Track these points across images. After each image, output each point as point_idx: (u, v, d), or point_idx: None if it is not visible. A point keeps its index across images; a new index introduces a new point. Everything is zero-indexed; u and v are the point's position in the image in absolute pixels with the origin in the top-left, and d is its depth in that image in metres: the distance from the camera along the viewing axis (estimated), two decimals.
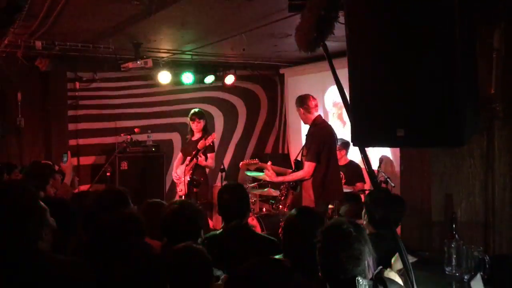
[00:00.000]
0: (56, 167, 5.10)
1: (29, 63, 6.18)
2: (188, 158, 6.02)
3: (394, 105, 2.02)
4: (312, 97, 4.81)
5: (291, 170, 4.99)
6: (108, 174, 6.45)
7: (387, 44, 2.01)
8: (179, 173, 6.20)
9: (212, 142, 5.96)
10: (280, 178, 4.88)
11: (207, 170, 6.24)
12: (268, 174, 4.93)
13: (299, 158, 4.90)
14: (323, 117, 5.07)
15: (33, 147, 6.81)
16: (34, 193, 2.00)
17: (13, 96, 6.61)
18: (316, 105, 4.78)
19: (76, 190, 5.41)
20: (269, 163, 5.32)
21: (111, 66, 6.76)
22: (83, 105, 7.24)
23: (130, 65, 5.84)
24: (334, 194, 4.63)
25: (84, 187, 6.58)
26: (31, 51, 5.82)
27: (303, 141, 5.00)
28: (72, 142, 7.12)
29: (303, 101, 4.77)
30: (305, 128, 5.15)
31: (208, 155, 6.05)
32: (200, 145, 5.80)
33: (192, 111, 6.24)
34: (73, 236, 2.72)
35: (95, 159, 7.32)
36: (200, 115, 6.17)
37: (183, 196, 6.07)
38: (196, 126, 6.12)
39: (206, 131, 6.20)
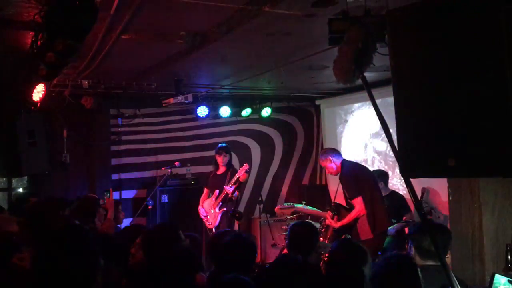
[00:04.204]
0: (101, 201, 5.24)
1: (75, 101, 6.45)
2: (217, 191, 6.13)
3: (444, 134, 1.99)
4: (331, 148, 5.30)
5: (328, 213, 5.12)
6: (149, 207, 6.58)
7: (435, 72, 2.00)
8: (205, 206, 6.28)
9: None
10: (340, 223, 4.96)
11: None
12: (329, 222, 5.09)
13: (337, 201, 5.20)
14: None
15: (78, 182, 7.01)
16: (93, 236, 2.05)
17: (59, 133, 6.86)
18: (339, 153, 5.14)
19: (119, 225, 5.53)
20: (303, 202, 5.80)
21: (153, 102, 6.97)
22: (125, 140, 7.45)
23: (172, 100, 6.00)
24: (383, 222, 4.81)
25: (126, 220, 6.71)
26: (77, 89, 6.09)
27: None
28: (115, 176, 7.31)
29: (326, 154, 5.10)
30: None
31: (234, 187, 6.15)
32: (242, 177, 5.92)
33: (219, 145, 6.39)
34: (115, 269, 2.76)
35: (136, 193, 7.46)
36: (227, 149, 6.32)
37: (213, 230, 6.13)
38: (222, 160, 6.25)
39: (230, 165, 6.32)
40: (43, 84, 4.64)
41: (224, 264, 2.53)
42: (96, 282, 1.96)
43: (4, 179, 6.83)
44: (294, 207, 5.69)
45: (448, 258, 3.25)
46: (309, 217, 6.40)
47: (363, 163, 6.26)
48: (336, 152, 5.14)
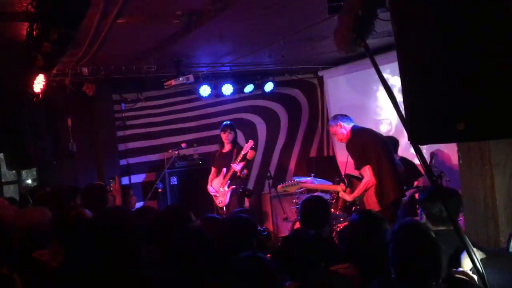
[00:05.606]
0: (108, 188, 5.27)
1: (76, 89, 6.41)
2: (224, 169, 6.14)
3: (452, 97, 1.94)
4: (341, 114, 5.01)
5: (341, 185, 4.99)
6: (159, 190, 6.60)
7: (440, 33, 1.94)
8: (214, 185, 6.30)
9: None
10: (352, 196, 4.82)
11: None
12: (342, 195, 4.95)
13: (348, 172, 5.11)
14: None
15: (86, 170, 7.03)
16: (132, 213, 2.05)
17: (64, 122, 6.85)
18: (349, 118, 4.92)
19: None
20: (312, 174, 5.71)
21: (155, 85, 6.93)
22: (130, 125, 7.43)
23: (173, 82, 5.95)
24: (392, 192, 4.58)
25: (138, 205, 6.75)
26: (78, 77, 6.06)
27: None
28: (123, 161, 7.32)
29: (337, 119, 4.91)
30: None
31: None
32: (249, 155, 5.91)
33: (224, 123, 6.38)
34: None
35: (145, 177, 7.49)
36: (231, 127, 6.30)
37: (224, 208, 6.15)
38: (227, 137, 6.23)
39: (236, 142, 6.32)
40: (43, 75, 4.62)
41: (224, 245, 2.53)
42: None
43: (14, 172, 6.88)
44: (297, 183, 5.45)
45: (460, 221, 3.23)
46: (318, 190, 6.38)
47: None
48: (346, 117, 4.94)
